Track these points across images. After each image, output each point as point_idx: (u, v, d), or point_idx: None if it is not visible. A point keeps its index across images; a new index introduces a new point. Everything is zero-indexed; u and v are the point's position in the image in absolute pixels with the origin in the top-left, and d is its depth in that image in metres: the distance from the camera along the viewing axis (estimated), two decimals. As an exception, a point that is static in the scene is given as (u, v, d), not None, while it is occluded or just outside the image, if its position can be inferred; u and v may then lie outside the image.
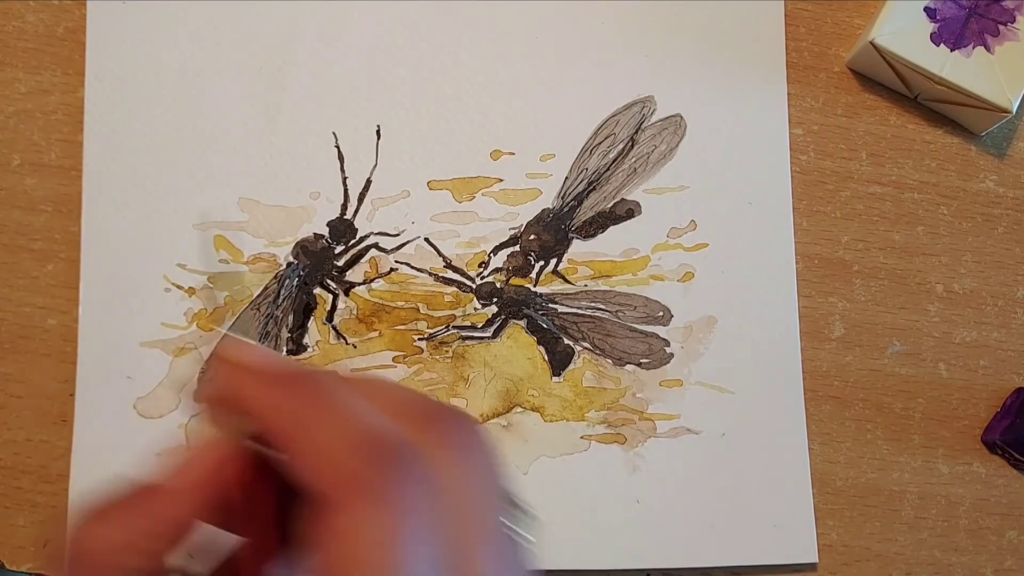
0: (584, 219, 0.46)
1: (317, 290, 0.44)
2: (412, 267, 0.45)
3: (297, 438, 0.23)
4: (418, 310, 0.44)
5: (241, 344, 0.27)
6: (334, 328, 0.44)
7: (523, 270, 0.45)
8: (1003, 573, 0.46)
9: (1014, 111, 0.45)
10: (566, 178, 0.46)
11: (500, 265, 0.45)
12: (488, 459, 0.24)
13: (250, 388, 0.24)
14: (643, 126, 0.47)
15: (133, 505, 0.24)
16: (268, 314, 0.44)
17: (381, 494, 0.22)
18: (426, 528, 0.22)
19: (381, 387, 0.26)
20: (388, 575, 0.21)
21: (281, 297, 0.44)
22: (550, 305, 0.45)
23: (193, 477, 0.24)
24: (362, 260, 0.45)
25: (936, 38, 0.46)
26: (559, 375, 0.45)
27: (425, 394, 0.29)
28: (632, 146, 0.46)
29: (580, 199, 0.46)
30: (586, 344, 0.45)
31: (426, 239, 0.45)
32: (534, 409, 0.44)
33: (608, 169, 0.46)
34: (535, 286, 0.45)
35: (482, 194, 0.45)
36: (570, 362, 0.45)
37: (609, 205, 0.46)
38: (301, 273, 0.44)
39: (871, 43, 0.45)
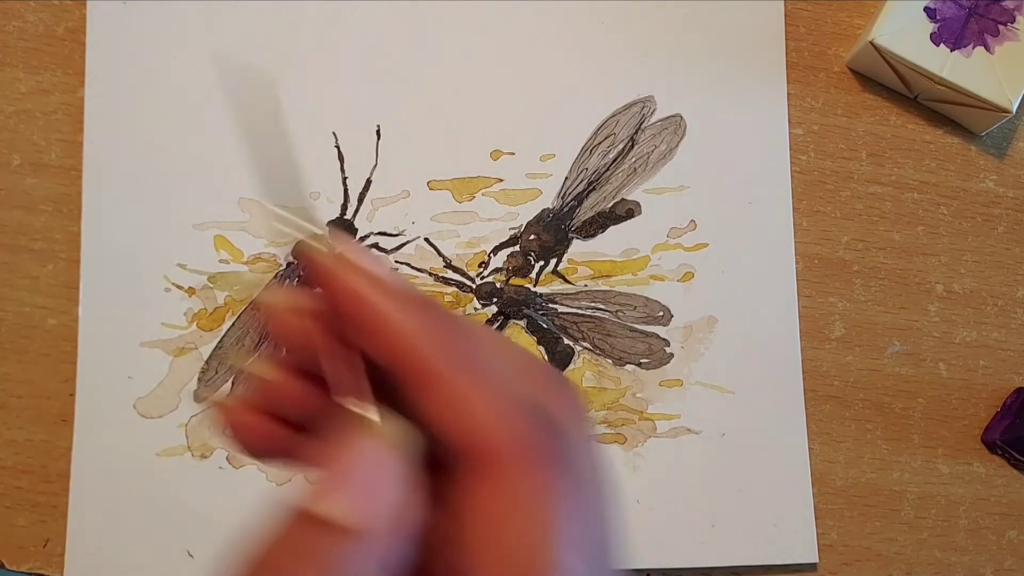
0: (584, 219, 0.46)
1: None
2: (412, 267, 0.45)
3: (446, 386, 0.20)
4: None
5: (356, 248, 0.22)
6: (334, 328, 0.44)
7: (523, 270, 0.45)
8: (1003, 573, 0.46)
9: (1014, 111, 0.45)
10: (566, 178, 0.46)
11: (500, 265, 0.45)
12: (595, 440, 0.23)
13: (382, 303, 0.21)
14: (643, 126, 0.47)
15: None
16: (268, 314, 0.44)
17: (555, 459, 0.20)
18: (586, 500, 0.21)
19: (506, 344, 0.24)
20: (558, 541, 0.20)
21: (281, 297, 0.44)
22: (550, 305, 0.45)
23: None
24: (362, 260, 0.45)
25: (936, 38, 0.46)
26: (559, 375, 0.45)
27: (536, 357, 0.26)
28: (632, 146, 0.46)
29: (580, 199, 0.46)
30: (586, 344, 0.45)
31: (426, 239, 0.45)
32: (534, 409, 0.44)
33: (608, 169, 0.46)
34: (535, 286, 0.45)
35: (482, 194, 0.45)
36: (570, 362, 0.45)
37: (609, 205, 0.46)
38: (301, 273, 0.44)
39: (871, 43, 0.45)
